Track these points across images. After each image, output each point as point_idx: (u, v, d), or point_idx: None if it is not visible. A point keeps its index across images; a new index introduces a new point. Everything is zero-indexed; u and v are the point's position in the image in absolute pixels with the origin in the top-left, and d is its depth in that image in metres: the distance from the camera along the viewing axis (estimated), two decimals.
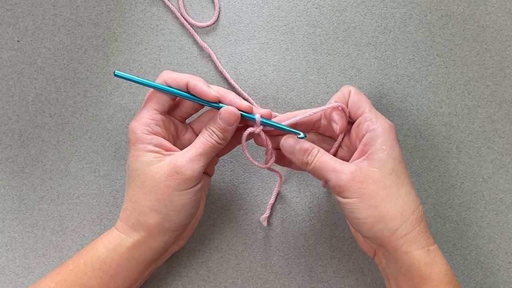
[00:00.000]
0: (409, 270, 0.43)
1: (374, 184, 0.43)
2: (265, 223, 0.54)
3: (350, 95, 0.47)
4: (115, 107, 0.56)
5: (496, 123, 0.56)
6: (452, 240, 0.55)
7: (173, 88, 0.46)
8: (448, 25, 0.57)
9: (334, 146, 0.49)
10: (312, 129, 0.50)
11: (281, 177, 0.53)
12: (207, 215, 0.55)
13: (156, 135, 0.45)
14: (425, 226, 0.44)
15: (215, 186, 0.55)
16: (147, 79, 0.46)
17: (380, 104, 0.56)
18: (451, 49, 0.56)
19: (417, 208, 0.44)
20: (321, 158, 0.45)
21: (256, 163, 0.49)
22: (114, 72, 0.46)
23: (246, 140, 0.48)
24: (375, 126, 0.45)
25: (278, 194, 0.55)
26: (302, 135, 0.46)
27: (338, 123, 0.46)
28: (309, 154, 0.46)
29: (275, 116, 0.48)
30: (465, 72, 0.56)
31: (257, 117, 0.46)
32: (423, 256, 0.43)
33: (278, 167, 0.53)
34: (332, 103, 0.47)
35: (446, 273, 0.43)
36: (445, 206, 0.55)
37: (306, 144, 0.46)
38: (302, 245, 0.55)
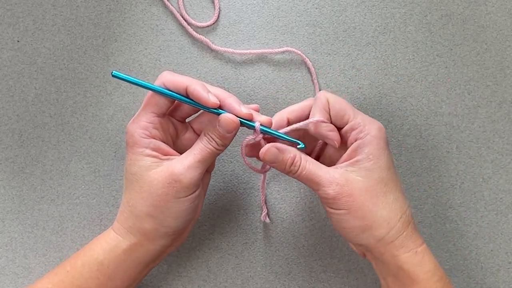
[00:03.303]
0: (397, 271, 0.44)
1: (361, 195, 0.43)
2: (267, 220, 0.54)
3: (330, 104, 0.46)
4: (115, 107, 0.56)
5: (496, 123, 0.56)
6: (452, 240, 0.55)
7: (172, 92, 0.44)
8: (448, 25, 0.57)
9: (316, 149, 0.49)
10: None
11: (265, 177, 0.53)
12: (207, 215, 0.55)
13: (154, 138, 0.44)
14: (413, 228, 0.44)
15: (215, 186, 0.55)
16: (145, 81, 0.45)
17: (380, 104, 0.56)
18: (451, 49, 0.56)
19: (404, 213, 0.44)
20: (306, 168, 0.44)
21: (256, 169, 0.49)
22: (112, 72, 0.44)
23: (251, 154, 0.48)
24: (363, 134, 0.44)
25: (278, 193, 0.55)
26: (302, 145, 0.46)
27: (334, 139, 0.45)
28: (292, 164, 0.44)
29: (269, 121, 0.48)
30: (465, 72, 0.56)
31: (257, 125, 0.45)
32: (410, 258, 0.43)
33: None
34: (315, 115, 0.46)
35: (435, 272, 0.44)
36: (445, 206, 0.55)
37: (289, 154, 0.45)
38: (302, 245, 0.55)
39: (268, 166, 0.49)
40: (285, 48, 0.56)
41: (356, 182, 0.43)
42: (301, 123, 0.46)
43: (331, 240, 0.55)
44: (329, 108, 0.46)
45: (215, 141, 0.45)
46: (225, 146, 0.45)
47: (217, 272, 0.55)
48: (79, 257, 0.46)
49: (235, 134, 0.45)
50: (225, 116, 0.44)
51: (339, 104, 0.46)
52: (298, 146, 0.46)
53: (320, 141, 0.49)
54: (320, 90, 0.55)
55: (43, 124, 0.56)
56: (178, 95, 0.45)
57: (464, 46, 0.56)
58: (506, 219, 0.55)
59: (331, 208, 0.44)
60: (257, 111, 0.47)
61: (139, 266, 0.45)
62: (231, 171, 0.56)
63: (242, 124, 0.45)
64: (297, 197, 0.55)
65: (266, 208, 0.54)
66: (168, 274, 0.54)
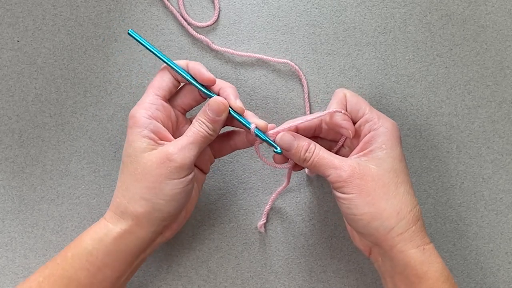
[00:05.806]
0: (405, 268, 0.44)
1: (372, 181, 0.44)
2: (262, 230, 0.54)
3: (347, 98, 0.48)
4: (115, 107, 0.56)
5: (496, 123, 0.56)
6: (452, 240, 0.55)
7: (178, 67, 0.47)
8: (448, 25, 0.57)
9: (337, 147, 0.50)
10: (313, 135, 0.50)
11: (286, 184, 0.53)
12: (207, 215, 0.55)
13: (155, 120, 0.45)
14: (422, 226, 0.45)
15: (215, 186, 0.55)
16: (158, 49, 0.47)
17: (380, 104, 0.56)
18: (451, 49, 0.56)
19: (414, 207, 0.44)
20: (320, 154, 0.46)
21: (281, 166, 0.50)
22: (128, 30, 0.48)
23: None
24: (377, 126, 0.46)
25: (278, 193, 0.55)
26: (278, 150, 0.47)
27: (348, 128, 0.47)
28: (307, 151, 0.46)
29: (272, 128, 0.49)
30: (465, 72, 0.56)
31: (253, 127, 0.47)
32: (418, 254, 0.43)
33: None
34: (332, 107, 0.48)
35: (442, 272, 0.44)
36: (445, 206, 0.55)
37: (304, 141, 0.47)
38: (302, 245, 0.55)
39: (289, 165, 0.50)
40: (283, 60, 0.56)
41: (368, 169, 0.44)
42: (318, 114, 0.48)
43: (331, 240, 0.55)
44: (346, 102, 0.48)
45: (205, 125, 0.46)
46: (215, 131, 0.46)
47: (217, 272, 0.55)
48: (70, 249, 0.46)
49: (225, 119, 0.46)
50: (214, 99, 0.46)
51: (356, 99, 0.48)
52: (274, 150, 0.47)
53: (340, 143, 0.50)
54: (311, 108, 0.56)
55: (43, 124, 0.56)
56: (182, 70, 0.47)
57: (464, 46, 0.56)
58: (506, 219, 0.55)
59: (343, 193, 0.45)
60: (265, 129, 0.48)
61: (129, 255, 0.45)
62: (231, 171, 0.56)
63: (239, 122, 0.47)
64: (297, 197, 0.55)
65: (267, 218, 0.54)
66: (168, 274, 0.54)
